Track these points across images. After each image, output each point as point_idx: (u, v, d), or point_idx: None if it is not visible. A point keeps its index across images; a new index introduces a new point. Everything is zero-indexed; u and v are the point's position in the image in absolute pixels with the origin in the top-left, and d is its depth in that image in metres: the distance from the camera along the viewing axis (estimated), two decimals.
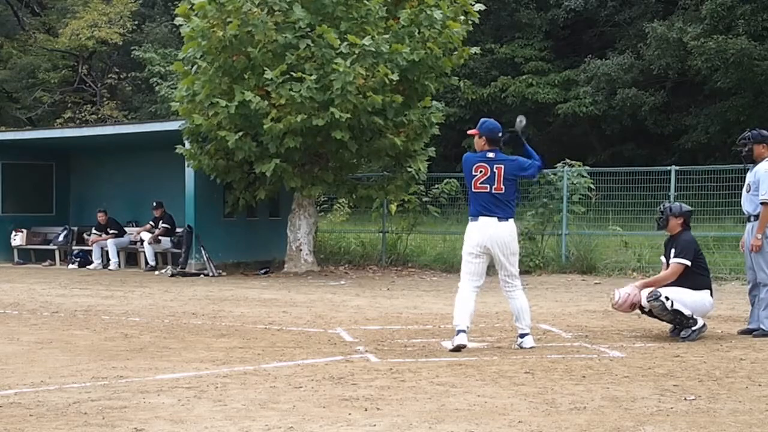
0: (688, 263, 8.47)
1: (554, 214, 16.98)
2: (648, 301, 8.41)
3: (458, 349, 7.69)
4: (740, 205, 9.14)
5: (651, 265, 15.21)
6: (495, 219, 7.80)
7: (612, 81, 28.26)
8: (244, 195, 16.84)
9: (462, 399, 5.82)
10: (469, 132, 8.43)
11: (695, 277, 8.54)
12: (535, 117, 30.58)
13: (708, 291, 8.61)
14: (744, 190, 8.97)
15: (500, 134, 8.03)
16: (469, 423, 5.19)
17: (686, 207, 8.95)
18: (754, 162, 8.88)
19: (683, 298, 8.40)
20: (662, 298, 8.35)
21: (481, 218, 7.83)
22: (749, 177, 8.90)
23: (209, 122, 15.34)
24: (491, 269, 8.05)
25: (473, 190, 7.90)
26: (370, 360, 7.40)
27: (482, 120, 8.17)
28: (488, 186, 7.83)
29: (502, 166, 7.85)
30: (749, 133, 8.96)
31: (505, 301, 8.26)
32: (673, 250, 8.63)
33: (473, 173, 7.90)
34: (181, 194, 17.36)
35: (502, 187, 7.82)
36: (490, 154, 7.91)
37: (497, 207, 7.81)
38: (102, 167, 20.55)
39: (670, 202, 9.15)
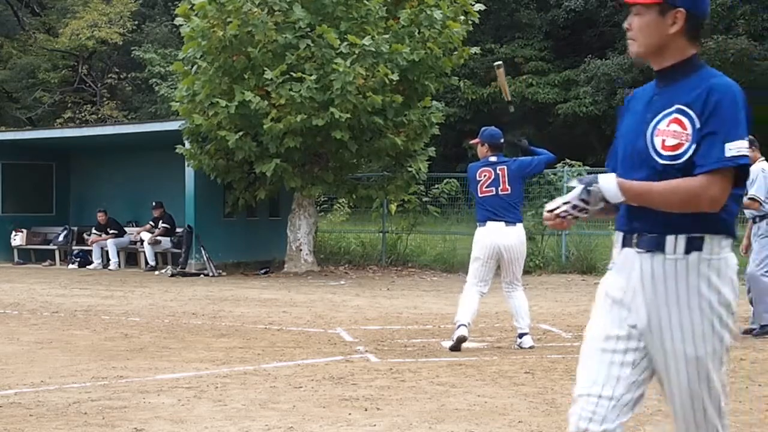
0: None
1: None
2: None
3: (458, 345, 7.69)
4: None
5: None
6: (503, 223, 7.82)
7: (612, 81, 28.26)
8: (244, 195, 16.84)
9: (462, 399, 5.82)
10: (471, 142, 8.51)
11: None
12: (535, 117, 30.62)
13: None
14: (744, 194, 8.99)
15: (501, 140, 8.12)
16: (469, 423, 5.19)
17: None
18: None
19: None
20: None
21: (488, 223, 7.86)
22: (747, 182, 8.93)
23: (209, 122, 15.34)
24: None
25: (479, 195, 7.93)
26: (370, 360, 7.40)
27: (483, 128, 8.30)
28: (494, 189, 7.87)
29: (505, 167, 7.92)
30: None
31: (505, 301, 8.26)
32: None
33: (478, 179, 7.94)
34: (181, 194, 17.36)
35: (508, 187, 7.85)
36: (492, 158, 7.98)
37: (504, 210, 7.84)
38: (102, 167, 20.55)
39: None
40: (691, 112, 2.80)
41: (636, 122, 2.96)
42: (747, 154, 2.79)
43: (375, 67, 14.80)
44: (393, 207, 17.45)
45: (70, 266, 18.66)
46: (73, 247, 19.32)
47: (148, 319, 10.14)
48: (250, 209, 17.54)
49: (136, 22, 35.39)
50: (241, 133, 15.14)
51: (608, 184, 2.82)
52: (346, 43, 14.69)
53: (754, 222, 8.86)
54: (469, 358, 7.39)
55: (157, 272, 17.29)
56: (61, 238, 19.44)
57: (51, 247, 19.56)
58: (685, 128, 2.80)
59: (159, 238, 17.91)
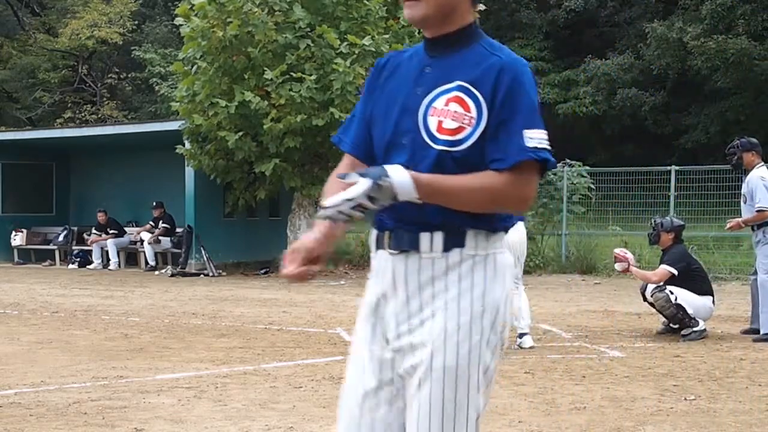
0: (675, 272, 8.55)
1: (554, 214, 16.98)
2: (652, 293, 8.48)
3: None
4: (740, 205, 9.15)
5: (651, 265, 15.20)
6: None
7: (612, 81, 28.28)
8: (244, 195, 16.84)
9: None
10: None
11: (697, 284, 8.62)
12: None
13: (710, 298, 8.66)
14: (741, 201, 8.95)
15: None
16: None
17: (677, 222, 9.04)
18: (745, 171, 8.90)
19: (687, 299, 8.46)
20: (667, 291, 8.41)
21: None
22: (744, 188, 8.91)
23: (209, 122, 15.35)
24: None
25: None
26: None
27: None
28: None
29: None
30: (738, 142, 8.97)
31: None
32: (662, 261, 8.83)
33: None
34: (181, 194, 17.36)
35: None
36: None
37: None
38: (102, 167, 20.56)
39: (661, 217, 9.27)
40: (476, 92, 2.34)
41: (402, 96, 2.43)
42: (548, 147, 2.34)
43: None
44: None
45: (70, 266, 18.66)
46: (73, 247, 19.33)
47: (148, 319, 10.14)
48: (250, 209, 17.55)
49: (136, 22, 35.38)
50: (241, 133, 15.14)
51: (402, 177, 2.26)
52: (346, 43, 14.70)
53: (753, 230, 8.83)
54: None
55: (157, 272, 17.29)
56: (61, 238, 19.45)
57: (51, 247, 19.56)
58: (468, 110, 2.34)
59: (159, 238, 17.91)
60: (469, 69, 2.38)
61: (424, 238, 2.37)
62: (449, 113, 2.34)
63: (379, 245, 2.48)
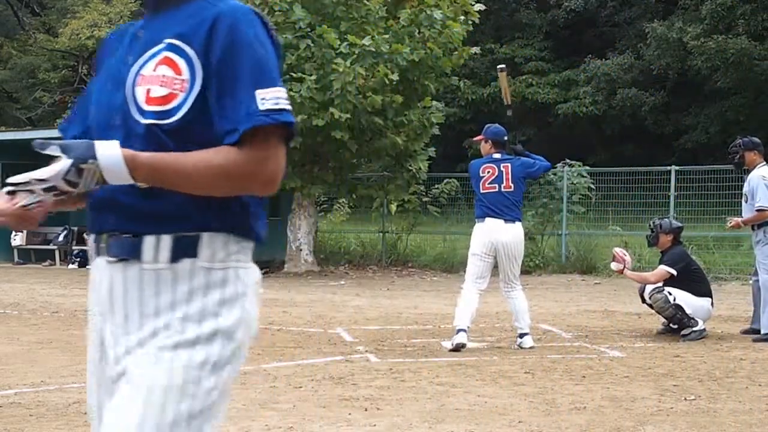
0: (674, 272, 8.57)
1: (554, 214, 16.99)
2: (650, 294, 8.50)
3: (458, 348, 7.69)
4: (740, 205, 9.15)
5: (651, 265, 15.21)
6: (502, 221, 7.81)
7: (612, 81, 28.31)
8: None
9: (462, 399, 5.82)
10: (474, 139, 8.49)
11: (695, 285, 8.64)
12: (535, 117, 30.65)
13: (709, 299, 8.68)
14: (743, 200, 8.96)
15: (505, 137, 8.12)
16: (469, 423, 5.19)
17: (676, 223, 9.06)
18: (747, 170, 8.91)
19: (686, 299, 8.47)
20: (665, 292, 8.42)
21: (487, 219, 7.85)
22: (745, 187, 8.91)
23: None
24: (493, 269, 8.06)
25: (481, 191, 7.92)
26: (370, 360, 7.40)
27: (487, 125, 8.30)
28: (497, 185, 7.87)
29: (509, 165, 7.93)
30: (740, 140, 9.00)
31: (505, 301, 8.26)
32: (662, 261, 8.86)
33: (481, 174, 7.93)
34: None
35: (511, 185, 7.86)
36: (496, 155, 7.99)
37: (505, 207, 7.83)
38: None
39: (660, 218, 9.29)
40: (187, 49, 1.96)
41: (113, 69, 2.07)
42: (287, 107, 2.01)
43: (375, 67, 14.80)
44: (393, 207, 17.45)
45: (70, 266, 18.66)
46: (73, 247, 19.31)
47: None
48: None
49: None
50: None
51: (112, 159, 1.87)
52: (346, 43, 14.70)
53: (753, 229, 8.82)
54: (469, 358, 7.39)
55: None
56: (61, 238, 19.44)
57: (51, 247, 19.56)
58: (179, 72, 1.96)
59: None
60: (179, 23, 2.00)
61: (148, 243, 1.96)
62: (157, 79, 1.96)
63: (98, 251, 2.05)
